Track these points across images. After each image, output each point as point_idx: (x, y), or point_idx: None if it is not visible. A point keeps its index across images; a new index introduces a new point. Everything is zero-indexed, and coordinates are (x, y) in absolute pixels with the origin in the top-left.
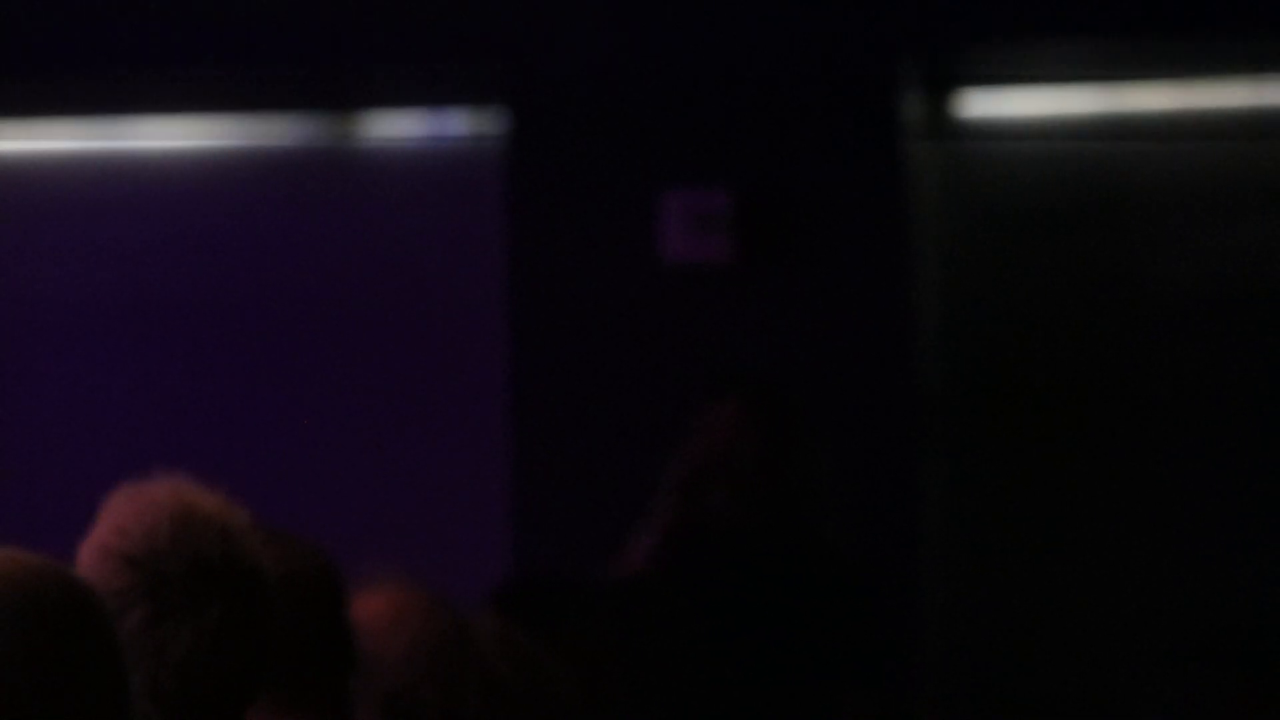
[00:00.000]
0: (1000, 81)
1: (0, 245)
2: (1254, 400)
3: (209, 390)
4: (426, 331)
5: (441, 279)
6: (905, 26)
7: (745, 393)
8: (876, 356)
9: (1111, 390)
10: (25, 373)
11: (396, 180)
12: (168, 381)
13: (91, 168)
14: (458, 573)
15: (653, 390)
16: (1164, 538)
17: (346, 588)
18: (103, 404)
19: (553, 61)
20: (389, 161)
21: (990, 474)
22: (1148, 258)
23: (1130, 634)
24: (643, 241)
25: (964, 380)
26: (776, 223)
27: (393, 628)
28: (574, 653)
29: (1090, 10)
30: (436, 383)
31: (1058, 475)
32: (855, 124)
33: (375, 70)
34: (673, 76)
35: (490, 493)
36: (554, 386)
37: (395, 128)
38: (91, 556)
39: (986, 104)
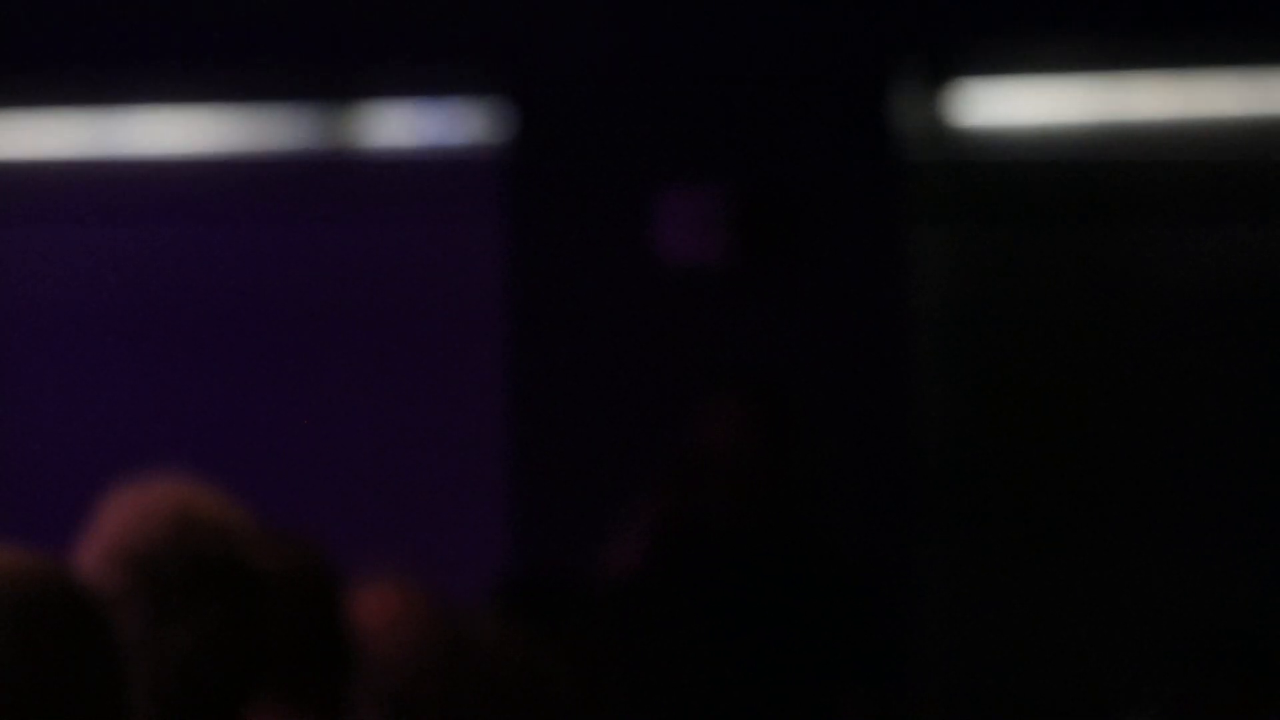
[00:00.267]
0: (1001, 80)
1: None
2: (1252, 403)
3: (208, 391)
4: (425, 331)
5: (440, 279)
6: (905, 26)
7: (744, 392)
8: (875, 356)
9: (1111, 389)
10: (24, 373)
11: (396, 178)
12: (166, 383)
13: (90, 170)
14: (457, 573)
15: (651, 390)
16: (1163, 537)
17: (346, 588)
18: (102, 405)
19: (552, 61)
20: (389, 158)
21: (990, 473)
22: (1147, 256)
23: (1129, 634)
24: (641, 241)
25: (963, 380)
26: (776, 222)
27: (392, 628)
28: (574, 653)
29: (1091, 8)
30: (434, 381)
31: (1057, 474)
32: (855, 124)
33: (374, 67)
34: (672, 76)
35: (489, 493)
36: (552, 386)
37: (395, 125)
38: (91, 557)
39: (986, 103)
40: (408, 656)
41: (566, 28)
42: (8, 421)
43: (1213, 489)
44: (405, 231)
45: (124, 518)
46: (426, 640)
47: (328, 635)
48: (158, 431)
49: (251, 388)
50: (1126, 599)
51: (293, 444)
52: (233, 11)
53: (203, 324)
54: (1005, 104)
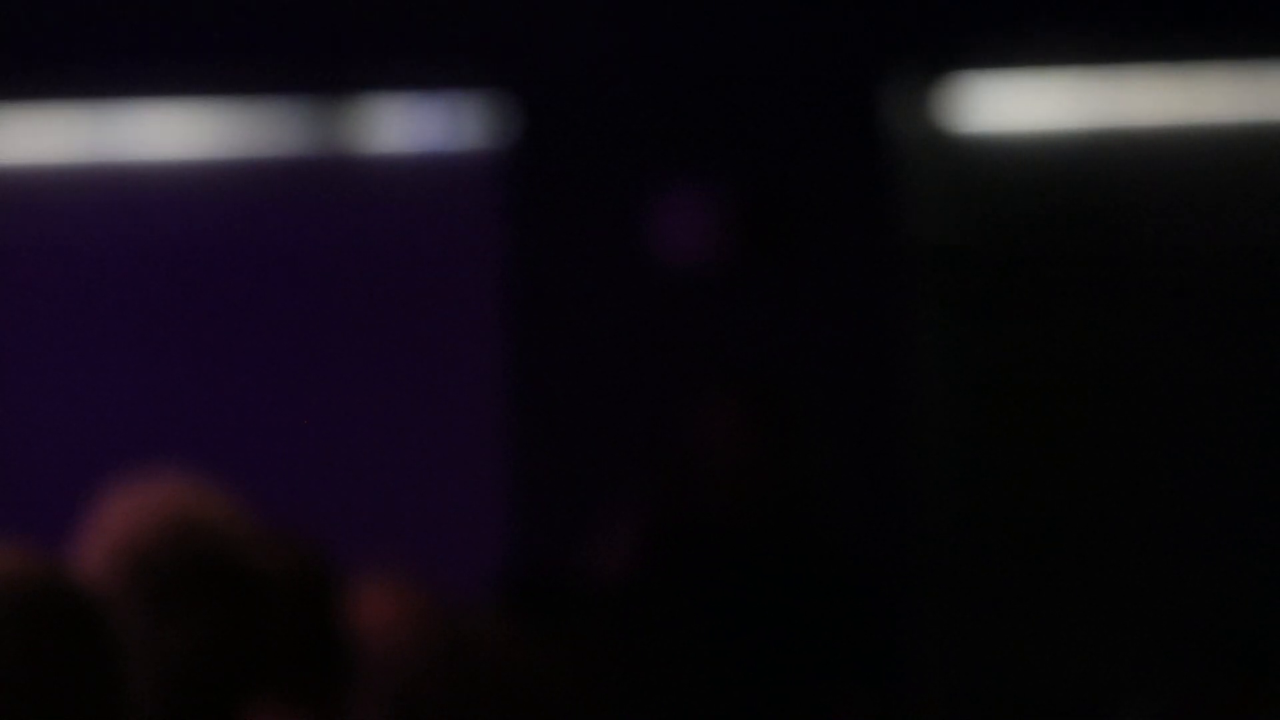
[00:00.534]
0: (999, 81)
1: None
2: (1251, 404)
3: (206, 392)
4: (425, 329)
5: (439, 279)
6: (904, 25)
7: (742, 392)
8: (873, 356)
9: (1110, 389)
10: (23, 374)
11: (396, 176)
12: (164, 383)
13: (88, 171)
14: (457, 574)
15: (649, 389)
16: (1162, 538)
17: (345, 588)
18: (100, 405)
19: (551, 61)
20: (388, 156)
21: (989, 472)
22: (1145, 255)
23: (1128, 634)
24: (640, 241)
25: (962, 380)
26: (774, 223)
27: (393, 628)
28: (574, 652)
29: (1090, 6)
30: (433, 380)
31: (1057, 473)
32: (855, 124)
33: (373, 65)
34: (672, 76)
35: (489, 494)
36: (551, 386)
37: (395, 122)
38: (90, 558)
39: (984, 103)
40: (407, 656)
41: (565, 28)
42: (6, 421)
43: (1212, 489)
44: (408, 231)
45: (123, 518)
46: (426, 640)
47: (327, 636)
48: (156, 431)
49: (249, 389)
50: (1126, 599)
51: (291, 445)
52: (236, 3)
53: (201, 324)
54: (1003, 104)
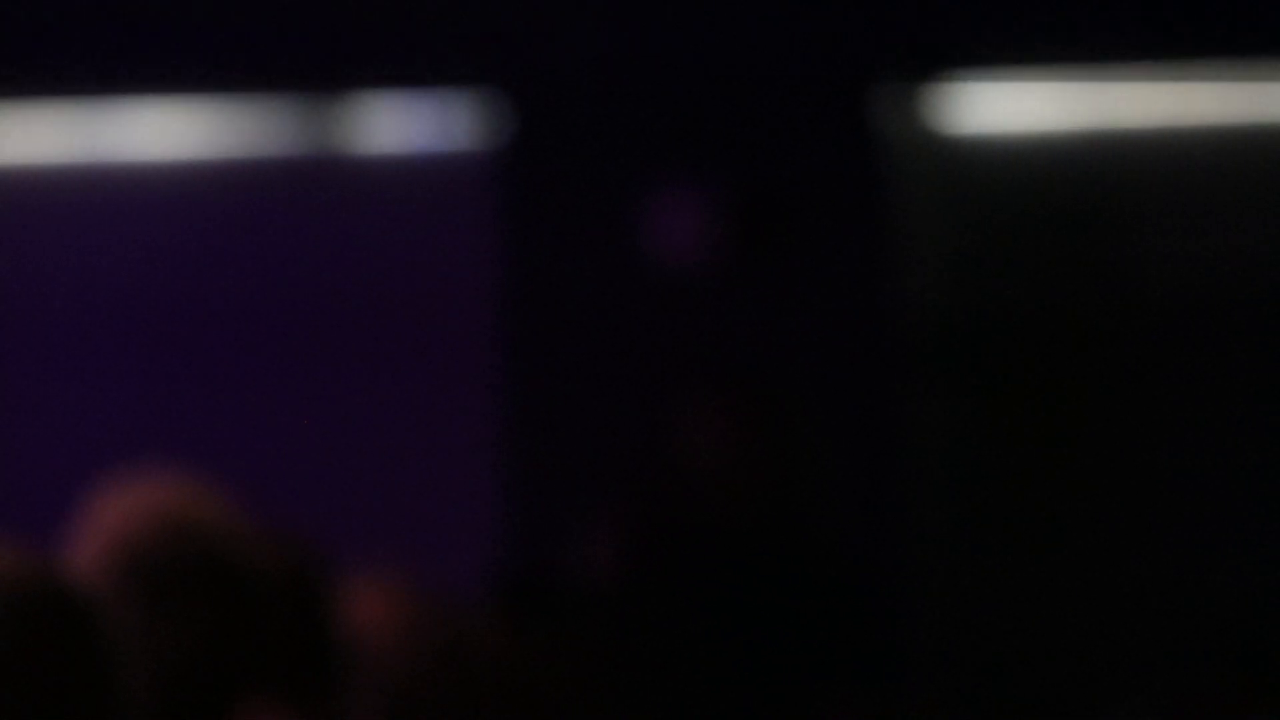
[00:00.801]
0: (992, 82)
1: None
2: (1250, 404)
3: (200, 391)
4: (418, 329)
5: (433, 279)
6: (898, 27)
7: (737, 392)
8: (868, 356)
9: (1108, 388)
10: (16, 373)
11: (390, 176)
12: (157, 382)
13: (79, 170)
14: (451, 573)
15: (643, 390)
16: (1161, 538)
17: (340, 588)
18: (94, 405)
19: (545, 61)
20: (382, 156)
21: (986, 472)
22: (1142, 256)
23: (1128, 634)
24: (633, 242)
25: (959, 380)
26: (769, 223)
27: (388, 628)
28: (571, 652)
29: (1082, 9)
30: (427, 379)
31: (1056, 473)
32: (848, 126)
33: (366, 64)
34: (665, 78)
35: (484, 494)
36: (545, 386)
37: (388, 121)
38: (84, 558)
39: (979, 104)
40: (402, 656)
41: (559, 27)
42: (6, 421)
43: (1211, 489)
44: (398, 228)
45: (117, 519)
46: (421, 640)
47: (322, 636)
48: (149, 430)
49: (241, 387)
50: (1125, 599)
51: (286, 445)
52: (229, 2)
53: (193, 323)
54: (996, 107)
